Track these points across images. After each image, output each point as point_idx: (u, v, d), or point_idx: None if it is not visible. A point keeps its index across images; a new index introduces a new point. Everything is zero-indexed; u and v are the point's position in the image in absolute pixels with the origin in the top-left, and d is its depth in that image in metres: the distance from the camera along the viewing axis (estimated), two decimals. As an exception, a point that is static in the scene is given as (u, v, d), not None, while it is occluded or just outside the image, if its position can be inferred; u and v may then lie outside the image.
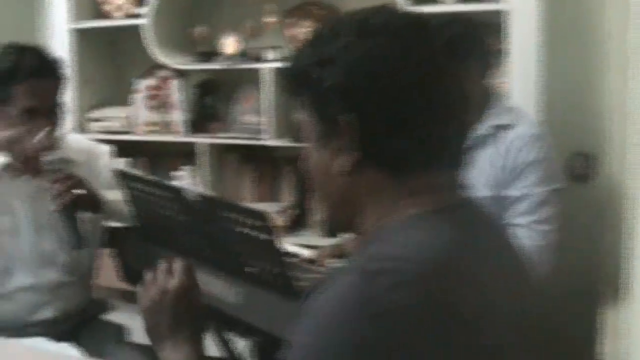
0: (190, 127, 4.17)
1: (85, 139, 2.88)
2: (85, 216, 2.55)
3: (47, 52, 2.55)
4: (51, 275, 2.64)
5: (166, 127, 4.19)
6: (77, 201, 2.44)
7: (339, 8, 4.01)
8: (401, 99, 1.27)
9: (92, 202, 2.52)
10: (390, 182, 1.31)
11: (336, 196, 1.36)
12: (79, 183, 2.46)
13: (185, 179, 2.14)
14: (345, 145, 1.30)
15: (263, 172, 4.20)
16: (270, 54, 3.88)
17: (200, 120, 4.22)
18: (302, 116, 1.37)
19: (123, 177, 2.39)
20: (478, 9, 3.43)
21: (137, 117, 4.26)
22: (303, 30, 4.05)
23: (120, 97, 4.46)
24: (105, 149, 2.85)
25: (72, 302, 2.70)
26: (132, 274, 2.64)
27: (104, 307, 2.91)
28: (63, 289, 2.67)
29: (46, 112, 2.50)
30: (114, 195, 2.56)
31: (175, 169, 4.24)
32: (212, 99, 4.25)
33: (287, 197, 4.13)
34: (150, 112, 4.22)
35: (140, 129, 4.25)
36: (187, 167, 2.21)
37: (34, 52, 2.53)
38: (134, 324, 2.82)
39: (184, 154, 4.31)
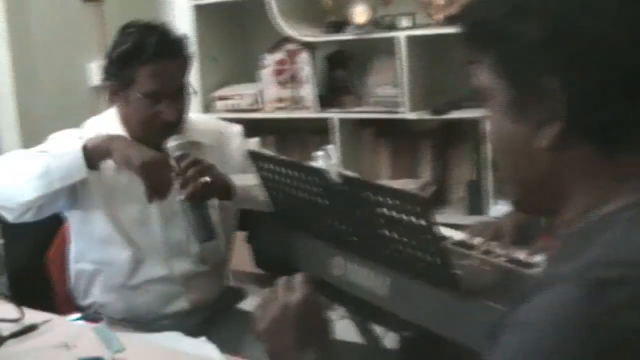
0: (321, 102, 3.96)
1: (215, 119, 2.70)
2: (216, 203, 2.37)
3: (170, 30, 2.36)
4: (183, 266, 2.46)
5: (296, 103, 4.00)
6: (207, 189, 2.24)
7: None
8: (621, 56, 1.01)
9: (223, 189, 2.33)
10: (602, 160, 1.06)
11: (531, 176, 1.13)
12: (208, 169, 2.27)
13: (327, 159, 1.88)
14: (548, 115, 1.05)
15: (399, 147, 3.98)
16: (404, 21, 3.65)
17: (332, 95, 4.04)
18: (487, 80, 1.12)
19: (257, 159, 2.23)
20: None
21: (265, 94, 4.09)
22: (437, -7, 3.77)
23: (246, 73, 4.32)
24: (237, 129, 2.65)
25: (206, 292, 2.53)
26: (267, 260, 2.52)
27: (240, 295, 2.73)
28: (196, 279, 2.49)
29: (171, 95, 2.30)
30: (247, 180, 2.38)
31: (307, 147, 4.08)
32: (343, 71, 4.04)
33: (426, 173, 3.87)
34: (279, 88, 4.05)
35: (269, 106, 4.08)
36: (329, 147, 1.96)
37: (157, 30, 2.33)
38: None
39: (316, 131, 4.16)
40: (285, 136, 4.23)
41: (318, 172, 1.99)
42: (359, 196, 1.87)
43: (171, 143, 2.26)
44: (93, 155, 2.20)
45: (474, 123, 3.66)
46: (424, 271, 1.78)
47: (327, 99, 4.00)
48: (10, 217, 2.30)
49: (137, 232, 2.41)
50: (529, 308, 0.96)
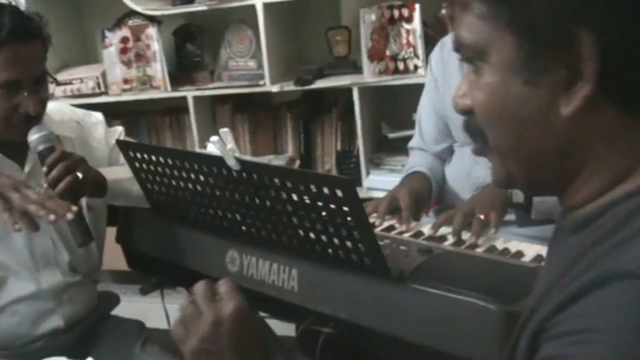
0: (172, 80, 3.68)
1: (70, 108, 2.38)
2: (84, 201, 2.09)
3: (22, 10, 2.06)
4: (53, 279, 2.17)
5: (144, 83, 3.69)
6: (79, 186, 1.96)
7: None
8: None
9: (96, 185, 2.06)
10: (629, 130, 0.89)
11: (544, 148, 0.94)
12: (79, 163, 1.99)
13: (221, 144, 1.65)
14: (574, 75, 0.86)
15: (260, 121, 3.74)
16: (259, -13, 3.40)
17: (183, 72, 3.76)
18: (483, 32, 0.93)
19: (129, 150, 1.98)
20: None
21: (110, 76, 3.76)
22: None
23: (88, 54, 3.96)
24: (98, 117, 2.38)
25: (80, 305, 2.25)
26: (143, 259, 2.29)
27: (115, 300, 2.46)
28: (68, 291, 2.22)
29: (32, 83, 2.01)
30: (118, 173, 2.16)
31: (159, 129, 3.82)
32: (192, 46, 3.75)
33: (289, 147, 3.66)
34: (125, 68, 3.72)
35: (114, 89, 3.75)
36: (223, 130, 1.73)
37: (8, 10, 2.02)
38: (150, 314, 2.47)
39: (167, 111, 3.92)
40: (134, 120, 3.92)
41: (208, 159, 1.77)
42: (262, 183, 1.65)
43: (33, 136, 1.99)
44: None
45: (338, 91, 3.48)
46: (345, 259, 1.62)
47: (179, 76, 3.72)
48: None
49: None
50: (585, 313, 0.82)
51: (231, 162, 1.65)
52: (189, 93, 3.62)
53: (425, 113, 2.63)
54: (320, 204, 1.56)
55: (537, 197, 1.89)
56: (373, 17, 3.32)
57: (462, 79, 1.01)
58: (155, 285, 2.30)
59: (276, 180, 1.62)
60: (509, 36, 0.90)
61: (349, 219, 1.54)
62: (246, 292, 1.78)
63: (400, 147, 3.24)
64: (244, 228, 1.84)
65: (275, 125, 3.69)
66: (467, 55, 0.97)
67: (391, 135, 3.43)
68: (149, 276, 2.37)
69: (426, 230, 2.04)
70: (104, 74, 3.77)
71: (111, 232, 2.32)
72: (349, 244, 1.59)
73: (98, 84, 3.78)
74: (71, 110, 2.35)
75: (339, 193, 1.51)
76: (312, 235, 1.65)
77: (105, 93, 3.78)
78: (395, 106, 3.47)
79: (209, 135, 3.56)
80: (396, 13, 3.30)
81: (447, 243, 1.93)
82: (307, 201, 1.60)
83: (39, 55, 2.04)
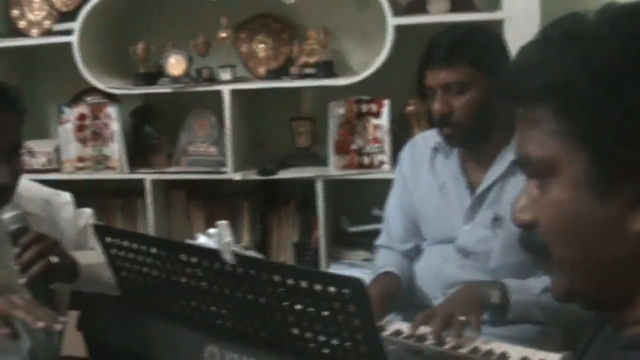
0: (129, 161, 3.58)
1: (37, 185, 2.29)
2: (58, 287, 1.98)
3: (2, 82, 1.99)
4: (13, 363, 2.04)
5: (99, 162, 3.59)
6: (52, 271, 1.86)
7: (295, 21, 3.55)
8: None
9: (68, 270, 1.96)
10: None
11: (614, 264, 0.93)
12: (54, 247, 1.91)
13: (219, 237, 1.59)
14: None
15: (215, 209, 3.65)
16: (225, 74, 3.37)
17: (138, 153, 3.66)
18: (555, 150, 0.93)
19: (106, 235, 1.87)
20: (473, 19, 3.05)
21: (63, 152, 3.65)
22: (259, 45, 3.53)
23: (42, 128, 3.86)
24: (66, 198, 2.30)
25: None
26: (106, 349, 2.16)
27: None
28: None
29: (5, 153, 1.93)
30: (89, 257, 2.08)
31: (109, 211, 3.70)
32: (149, 128, 3.66)
33: (244, 236, 3.59)
34: (80, 146, 3.61)
35: (69, 166, 3.64)
36: (222, 222, 1.67)
37: None
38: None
39: (119, 193, 3.80)
40: (82, 200, 3.79)
41: (200, 251, 1.70)
42: (258, 279, 1.58)
43: (5, 214, 1.90)
44: None
45: (295, 182, 3.45)
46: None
47: (134, 158, 3.63)
48: None
49: None
50: None
51: (227, 257, 1.59)
52: (147, 176, 3.53)
53: (393, 212, 2.61)
54: (323, 303, 1.50)
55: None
56: (341, 111, 3.31)
57: (522, 192, 1.01)
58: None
59: (276, 277, 1.55)
60: (583, 153, 0.90)
61: (354, 319, 1.48)
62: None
63: (360, 242, 3.20)
64: (227, 323, 1.76)
65: (231, 213, 3.61)
66: (533, 171, 0.97)
67: (351, 229, 3.40)
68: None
69: (404, 328, 2.01)
70: (57, 150, 3.66)
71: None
72: (348, 344, 1.52)
73: (49, 160, 3.67)
74: (38, 188, 2.27)
75: (347, 292, 1.45)
76: (307, 334, 1.58)
77: (57, 170, 3.66)
78: (356, 200, 3.44)
79: (163, 221, 3.53)
80: (364, 107, 3.29)
81: (428, 342, 1.90)
82: (308, 300, 1.53)
83: (13, 125, 1.97)
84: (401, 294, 2.44)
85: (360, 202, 3.37)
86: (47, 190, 2.28)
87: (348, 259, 3.37)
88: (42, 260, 1.84)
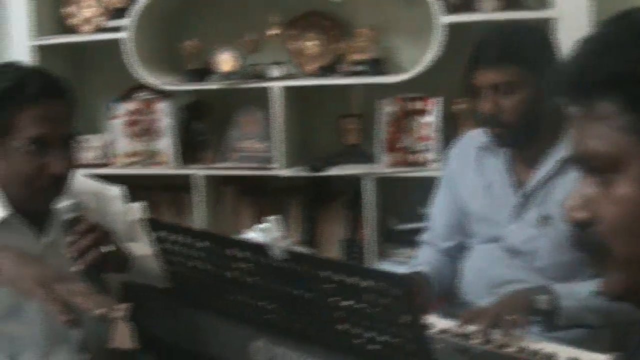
0: (180, 156, 3.62)
1: (88, 179, 2.31)
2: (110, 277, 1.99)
3: (50, 73, 2.02)
4: (63, 356, 2.08)
5: (151, 157, 3.63)
6: (105, 261, 1.88)
7: (345, 18, 3.56)
8: None
9: (120, 260, 1.98)
10: None
11: None
12: (108, 236, 1.92)
13: (270, 232, 1.60)
14: None
15: (265, 205, 3.67)
16: (276, 71, 3.38)
17: (188, 149, 3.69)
18: (637, 150, 0.91)
19: (158, 229, 1.89)
20: (523, 17, 3.04)
21: (115, 147, 3.70)
22: (308, 43, 3.54)
23: (92, 124, 3.91)
24: (116, 192, 2.32)
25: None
26: (155, 341, 2.18)
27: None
28: (75, 370, 2.11)
29: (60, 142, 1.94)
30: (141, 249, 2.06)
31: (159, 206, 3.73)
32: (200, 124, 3.70)
33: (294, 233, 3.60)
34: (131, 141, 3.66)
35: (119, 161, 3.69)
36: (273, 217, 1.68)
37: (37, 71, 2.01)
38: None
39: (169, 188, 3.83)
40: (132, 194, 3.84)
41: (252, 246, 1.71)
42: (307, 274, 1.59)
43: (61, 203, 1.91)
44: None
45: (344, 179, 3.45)
46: (388, 356, 1.53)
47: (183, 153, 3.66)
48: None
49: (9, 322, 2.00)
50: None
51: (276, 252, 1.60)
52: (197, 172, 3.57)
53: (438, 209, 2.61)
54: (371, 299, 1.50)
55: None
56: (390, 108, 3.31)
57: (575, 190, 0.99)
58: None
59: (324, 273, 1.56)
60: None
61: (401, 316, 1.48)
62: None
63: (407, 240, 3.19)
64: (275, 318, 1.77)
65: (279, 210, 3.62)
66: (593, 168, 0.95)
67: (399, 227, 3.40)
68: (155, 358, 2.27)
69: (451, 326, 2.00)
70: (108, 145, 3.71)
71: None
72: (396, 341, 1.52)
73: (100, 155, 3.72)
74: (91, 182, 2.29)
75: (395, 289, 1.45)
76: (354, 330, 1.59)
77: (108, 165, 3.71)
78: (403, 198, 3.44)
79: (211, 216, 3.56)
80: (413, 105, 3.29)
81: (475, 341, 1.89)
82: (356, 296, 1.54)
83: (66, 114, 1.99)
84: (428, 294, 2.43)
85: (408, 200, 3.37)
86: (98, 184, 2.30)
87: (396, 257, 3.37)
88: (95, 249, 1.85)
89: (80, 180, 2.23)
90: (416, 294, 2.25)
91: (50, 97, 1.93)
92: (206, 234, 1.93)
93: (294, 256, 1.61)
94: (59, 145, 1.94)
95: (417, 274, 2.46)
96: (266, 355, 1.78)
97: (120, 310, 1.70)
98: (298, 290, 1.65)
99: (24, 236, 2.00)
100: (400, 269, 2.97)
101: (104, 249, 1.88)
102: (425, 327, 1.54)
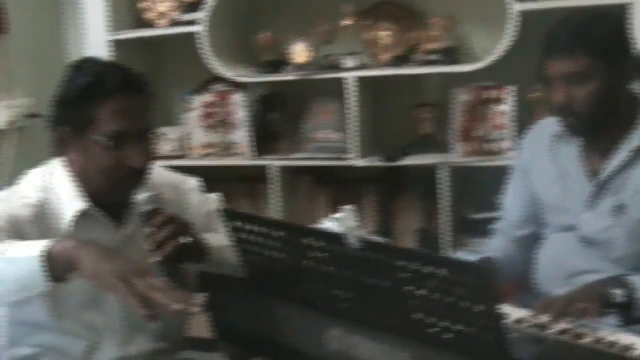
0: (255, 147, 3.66)
1: (167, 170, 2.35)
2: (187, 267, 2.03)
3: (128, 68, 2.05)
4: (140, 345, 2.12)
5: (227, 149, 3.68)
6: (183, 252, 1.91)
7: (417, 7, 3.55)
8: None
9: (198, 251, 2.01)
10: None
11: None
12: (186, 228, 1.95)
13: (344, 221, 1.61)
14: None
15: (340, 195, 3.69)
16: (350, 61, 3.40)
17: (263, 140, 3.73)
18: None
19: (234, 219, 1.91)
20: (596, 3, 2.99)
21: (191, 139, 3.75)
22: (381, 32, 3.54)
23: (168, 116, 3.97)
24: (194, 183, 2.36)
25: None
26: (233, 331, 2.21)
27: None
28: (153, 359, 2.16)
29: (138, 136, 1.97)
30: (219, 240, 2.08)
31: (234, 196, 3.77)
32: (275, 114, 3.73)
33: (370, 223, 3.61)
34: (207, 133, 3.71)
35: (195, 152, 3.74)
36: (348, 207, 1.69)
37: (115, 67, 2.03)
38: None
39: (245, 179, 3.89)
40: (208, 185, 3.89)
41: (327, 235, 1.72)
42: (382, 263, 1.59)
43: (140, 195, 1.94)
44: (56, 266, 1.76)
45: (419, 169, 3.44)
46: (463, 345, 1.54)
47: (258, 144, 3.70)
48: None
49: (90, 311, 2.04)
50: None
51: (352, 241, 1.61)
52: (273, 162, 3.61)
53: (511, 198, 2.59)
54: (445, 288, 1.51)
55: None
56: (465, 97, 3.30)
57: None
58: (241, 357, 2.23)
59: (399, 262, 1.56)
60: None
61: (476, 305, 1.48)
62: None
63: (482, 229, 3.18)
64: (350, 307, 1.78)
65: (355, 199, 3.64)
66: None
67: (474, 216, 3.38)
68: (232, 346, 2.30)
69: (526, 316, 1.99)
70: (184, 137, 3.76)
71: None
72: (470, 330, 1.52)
73: (177, 147, 3.78)
74: (167, 174, 2.32)
75: (470, 278, 1.45)
76: (429, 319, 1.59)
77: (184, 156, 3.76)
78: (480, 187, 3.41)
79: (288, 207, 3.59)
80: (488, 94, 3.28)
81: (550, 331, 1.87)
82: (431, 285, 1.54)
83: (144, 108, 2.01)
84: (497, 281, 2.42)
85: (483, 189, 3.34)
86: (175, 176, 2.33)
87: (471, 246, 3.36)
88: (173, 241, 1.87)
89: (159, 172, 2.26)
90: (490, 282, 2.24)
91: (128, 92, 1.96)
92: (281, 223, 1.96)
93: (369, 245, 1.62)
94: (137, 138, 1.96)
95: (486, 260, 2.45)
96: (341, 344, 1.79)
97: (196, 305, 1.71)
98: (373, 279, 1.66)
99: (103, 228, 2.04)
100: (473, 258, 2.97)
101: (181, 240, 1.90)
102: (500, 316, 1.53)
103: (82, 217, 2.02)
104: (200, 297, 2.08)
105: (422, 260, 1.54)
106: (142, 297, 1.66)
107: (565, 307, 1.97)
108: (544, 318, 1.97)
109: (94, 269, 1.72)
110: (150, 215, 1.92)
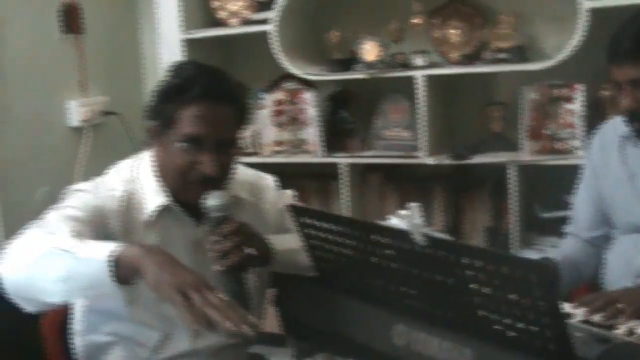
0: (326, 145, 3.70)
1: (247, 168, 2.36)
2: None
3: (229, 76, 2.08)
4: (212, 339, 2.15)
5: (297, 146, 3.72)
6: (247, 263, 1.94)
7: (487, 5, 3.55)
8: None
9: (262, 257, 2.04)
10: None
11: None
12: (252, 239, 1.98)
13: (410, 218, 1.63)
14: None
15: (409, 192, 3.71)
16: (419, 60, 3.42)
17: (333, 138, 3.76)
18: None
19: (301, 215, 1.94)
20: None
21: (263, 136, 3.80)
22: (451, 31, 3.55)
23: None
24: (270, 181, 2.39)
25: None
26: (301, 326, 2.24)
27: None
28: (222, 353, 2.20)
29: (214, 145, 1.99)
30: (288, 242, 2.10)
31: (305, 194, 3.81)
32: (345, 112, 3.76)
33: (439, 221, 3.63)
34: (278, 130, 3.76)
35: (266, 149, 3.79)
36: (413, 204, 1.71)
37: (214, 71, 2.06)
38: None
39: (315, 177, 3.94)
40: (280, 182, 3.94)
41: (393, 232, 1.74)
42: (447, 260, 1.61)
43: (210, 201, 1.95)
44: (122, 270, 1.77)
45: (488, 167, 3.44)
46: (527, 343, 1.55)
47: (329, 142, 3.73)
48: (29, 309, 1.93)
49: (165, 304, 2.09)
50: None
51: (418, 238, 1.63)
52: (343, 160, 3.64)
53: (581, 199, 2.57)
54: (510, 286, 1.52)
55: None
56: (534, 95, 3.29)
57: None
58: (309, 352, 2.26)
59: (465, 259, 1.58)
60: None
61: (540, 303, 1.49)
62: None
63: (552, 228, 3.17)
64: (416, 303, 1.79)
65: (424, 197, 3.65)
66: None
67: (544, 215, 3.37)
68: (299, 341, 2.33)
69: (585, 315, 1.97)
70: (255, 134, 3.82)
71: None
72: (534, 328, 1.53)
73: (251, 144, 3.84)
74: (245, 172, 2.33)
75: (534, 276, 1.46)
76: (494, 316, 1.61)
77: (256, 153, 3.82)
78: (549, 185, 3.41)
79: (357, 203, 3.62)
80: (557, 92, 3.26)
81: (616, 332, 1.86)
82: (496, 282, 1.55)
83: (228, 119, 2.02)
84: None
85: (553, 187, 3.33)
86: (253, 174, 2.35)
87: (540, 245, 3.35)
88: (238, 252, 1.90)
89: (244, 170, 2.29)
90: (554, 281, 2.23)
91: (212, 99, 1.98)
92: (348, 220, 1.98)
93: (435, 242, 1.63)
94: (214, 147, 1.98)
95: (546, 260, 2.44)
96: (407, 340, 1.81)
97: (253, 324, 1.70)
98: (439, 276, 1.68)
99: (183, 224, 2.09)
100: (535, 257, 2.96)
101: (246, 251, 1.92)
102: (563, 314, 1.54)
103: (165, 211, 2.07)
104: (253, 317, 2.09)
105: (487, 258, 1.56)
106: (197, 313, 1.65)
107: (603, 304, 1.97)
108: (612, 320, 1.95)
109: (154, 280, 1.73)
110: (218, 222, 1.94)
